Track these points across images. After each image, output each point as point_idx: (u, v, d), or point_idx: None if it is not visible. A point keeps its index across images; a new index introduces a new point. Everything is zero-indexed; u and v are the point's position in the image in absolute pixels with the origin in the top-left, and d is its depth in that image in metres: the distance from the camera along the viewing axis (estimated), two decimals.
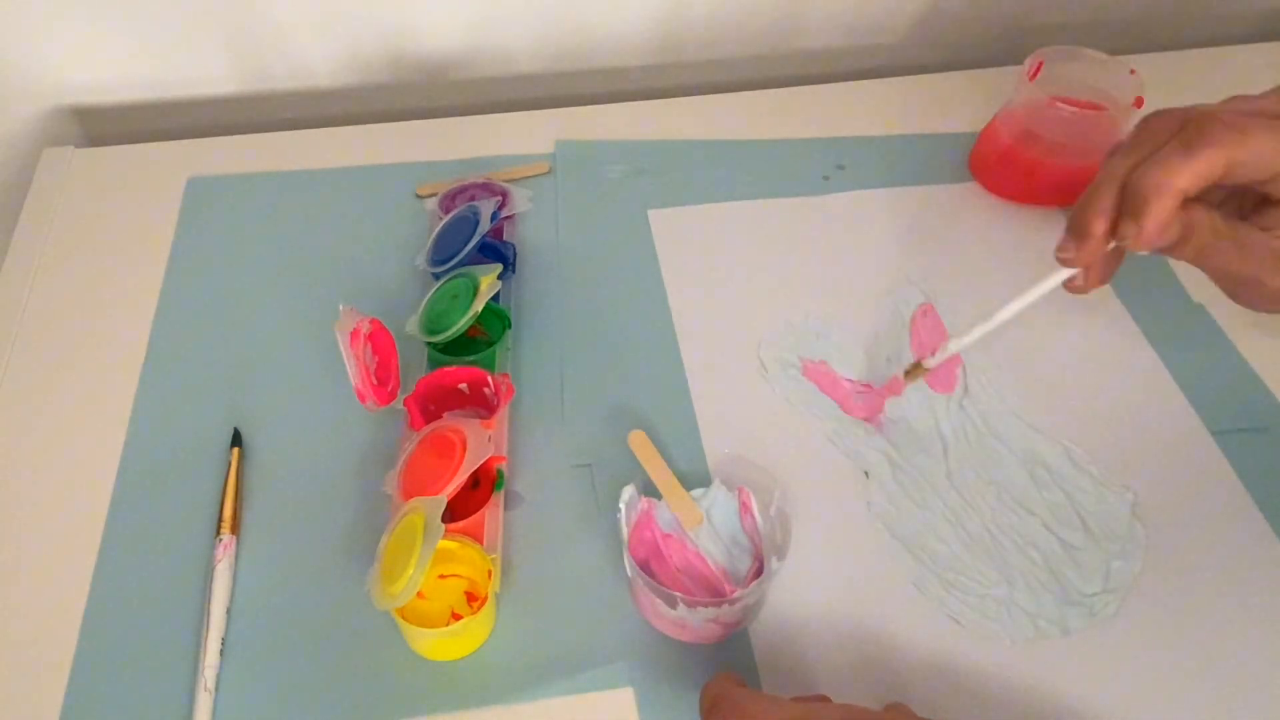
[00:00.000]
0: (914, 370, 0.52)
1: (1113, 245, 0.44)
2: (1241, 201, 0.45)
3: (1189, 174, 0.40)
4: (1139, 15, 0.82)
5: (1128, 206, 0.42)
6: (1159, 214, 0.41)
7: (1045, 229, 0.65)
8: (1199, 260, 0.43)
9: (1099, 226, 0.43)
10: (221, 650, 0.46)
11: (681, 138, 0.72)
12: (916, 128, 0.71)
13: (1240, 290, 0.45)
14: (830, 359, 0.58)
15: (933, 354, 0.51)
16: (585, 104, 0.74)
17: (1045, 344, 0.59)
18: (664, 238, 0.65)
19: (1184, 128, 0.41)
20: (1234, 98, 0.43)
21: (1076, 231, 0.44)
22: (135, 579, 0.49)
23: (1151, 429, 0.55)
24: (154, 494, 0.52)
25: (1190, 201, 0.41)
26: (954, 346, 0.50)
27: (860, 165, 0.69)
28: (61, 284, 0.62)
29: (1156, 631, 0.47)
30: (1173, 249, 0.43)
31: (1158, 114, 0.43)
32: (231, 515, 0.50)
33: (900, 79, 0.76)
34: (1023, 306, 0.48)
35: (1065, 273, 0.46)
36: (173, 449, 0.54)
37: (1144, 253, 0.43)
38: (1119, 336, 0.59)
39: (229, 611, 0.47)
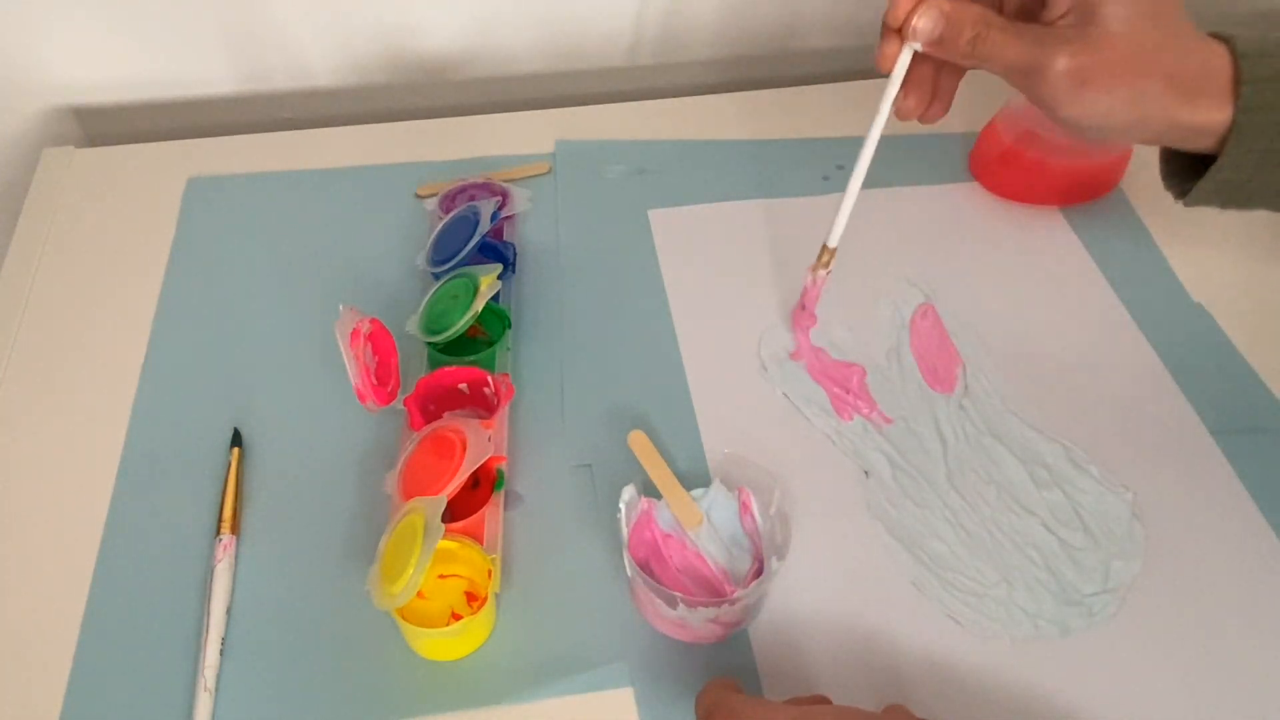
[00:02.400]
0: (821, 255, 0.54)
1: (906, 51, 0.46)
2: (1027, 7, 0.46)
3: None
4: None
5: None
6: None
7: (1045, 229, 0.65)
8: (979, 54, 0.44)
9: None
10: (221, 650, 0.46)
11: (681, 138, 0.72)
12: (916, 128, 0.70)
13: (1033, 86, 0.45)
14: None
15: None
16: (585, 104, 0.74)
17: (1045, 344, 0.59)
18: (664, 238, 0.65)
19: None
20: None
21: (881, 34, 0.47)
22: (135, 579, 0.49)
23: (1151, 429, 0.55)
24: (154, 494, 0.52)
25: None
26: (843, 210, 0.52)
27: None
28: (61, 284, 0.62)
29: (1156, 631, 0.47)
30: (948, 43, 0.44)
31: None
32: (231, 515, 0.50)
33: None
34: (875, 140, 0.49)
35: (892, 90, 0.47)
36: (173, 449, 0.54)
37: (929, 51, 0.45)
38: (1119, 336, 0.59)
39: (229, 611, 0.47)
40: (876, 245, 0.64)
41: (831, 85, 0.75)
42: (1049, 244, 0.65)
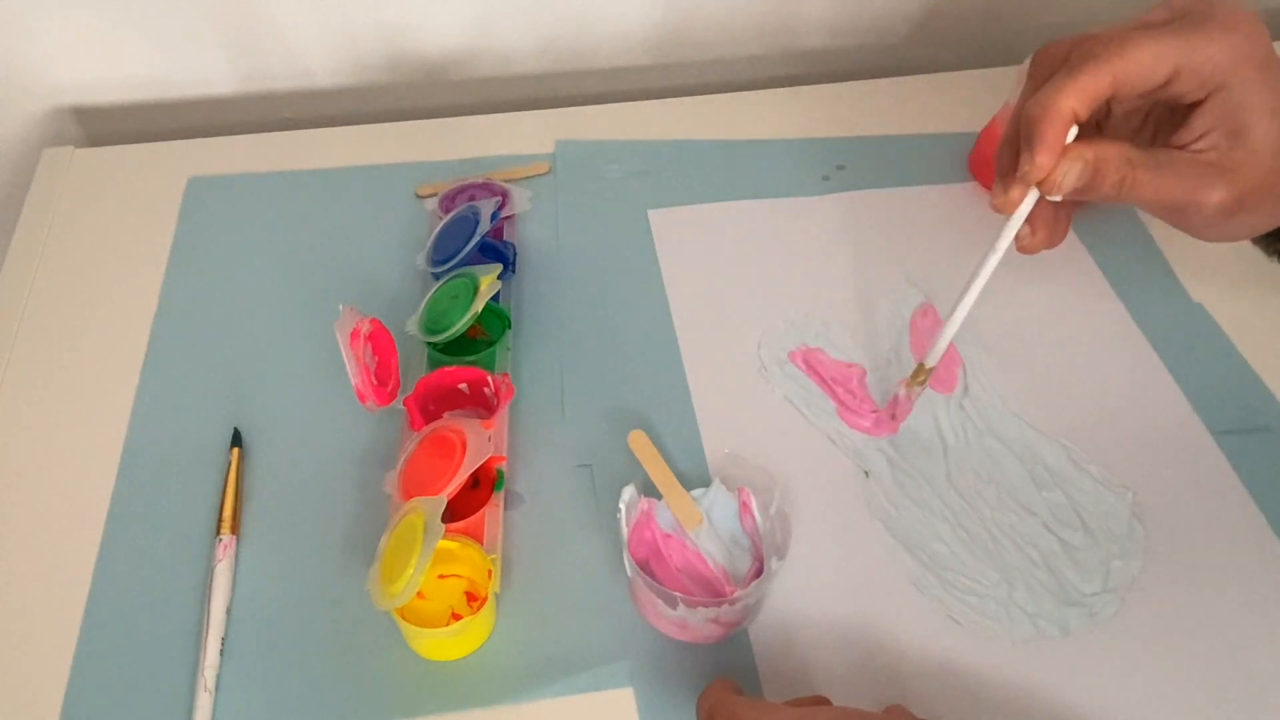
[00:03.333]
0: (918, 374, 0.52)
1: (1033, 191, 0.43)
2: (1159, 125, 0.44)
3: (1073, 93, 0.40)
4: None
5: (1023, 139, 0.41)
6: (1048, 140, 0.40)
7: None
8: (1125, 196, 0.42)
9: (1009, 164, 0.42)
10: (221, 650, 0.46)
11: (681, 138, 0.72)
12: (916, 128, 0.71)
13: (1182, 219, 0.43)
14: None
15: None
16: (585, 104, 0.74)
17: (1045, 344, 0.59)
18: (664, 238, 0.65)
19: (1070, 52, 0.41)
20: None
21: (999, 173, 0.43)
22: (135, 579, 0.49)
23: (1151, 429, 0.55)
24: (154, 494, 0.52)
25: (1097, 136, 0.41)
26: (946, 333, 0.49)
27: (860, 165, 0.69)
28: (61, 284, 0.62)
29: (1156, 631, 0.47)
30: (1091, 189, 0.42)
31: (1049, 45, 0.42)
32: (231, 515, 0.50)
33: (900, 79, 0.76)
34: (989, 272, 0.47)
35: (1013, 230, 0.45)
36: (173, 449, 0.54)
37: (1065, 198, 0.42)
38: (1119, 336, 0.59)
39: (229, 611, 0.47)
40: (876, 245, 0.64)
41: (831, 85, 0.75)
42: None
